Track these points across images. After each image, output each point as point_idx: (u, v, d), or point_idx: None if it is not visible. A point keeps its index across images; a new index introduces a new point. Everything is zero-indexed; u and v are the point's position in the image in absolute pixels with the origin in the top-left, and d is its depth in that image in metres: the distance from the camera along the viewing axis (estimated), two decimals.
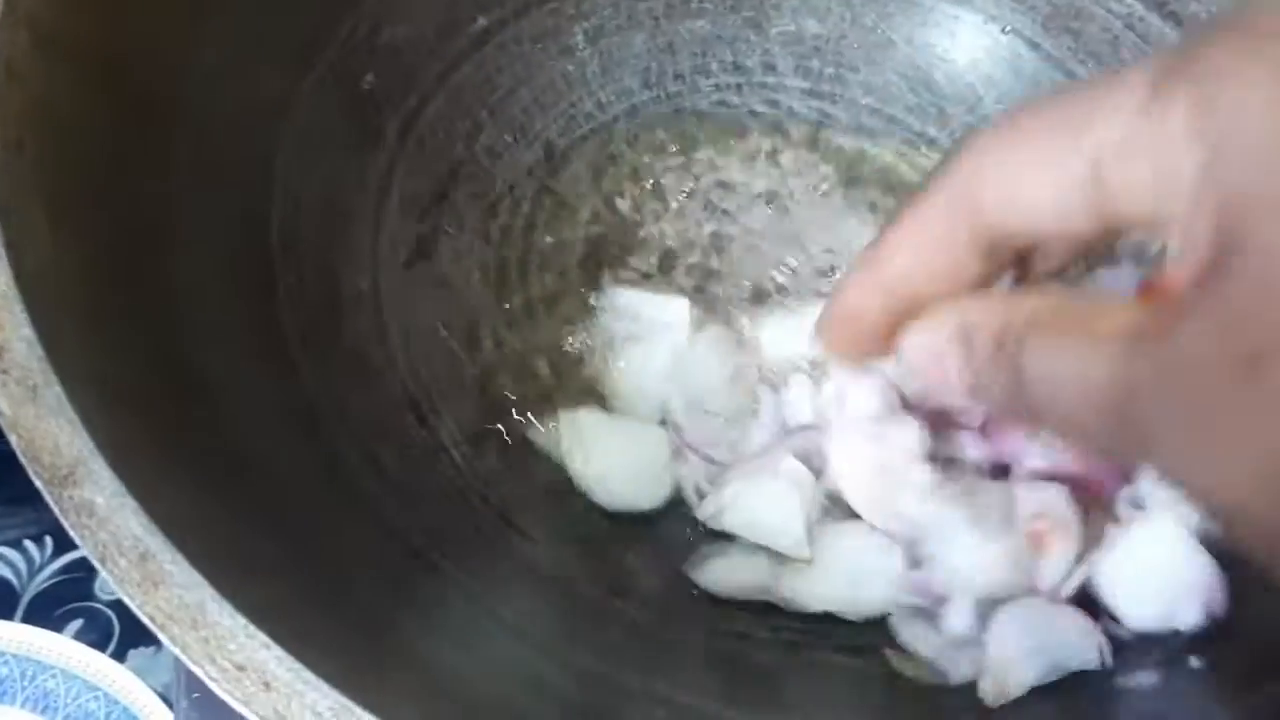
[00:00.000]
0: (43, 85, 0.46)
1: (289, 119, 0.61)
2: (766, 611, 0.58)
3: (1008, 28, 0.76)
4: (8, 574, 0.75)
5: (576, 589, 0.56)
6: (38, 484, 0.36)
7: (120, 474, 0.36)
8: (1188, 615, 0.56)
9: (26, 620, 0.73)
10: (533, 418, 0.63)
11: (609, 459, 0.62)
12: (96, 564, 0.35)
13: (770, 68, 0.78)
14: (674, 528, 0.62)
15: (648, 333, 0.66)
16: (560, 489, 0.61)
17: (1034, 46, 0.76)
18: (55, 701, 0.68)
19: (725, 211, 0.73)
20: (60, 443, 0.37)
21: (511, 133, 0.72)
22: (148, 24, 0.53)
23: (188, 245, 0.52)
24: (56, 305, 0.41)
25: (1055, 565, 0.56)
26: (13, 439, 0.37)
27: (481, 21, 0.71)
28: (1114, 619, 0.57)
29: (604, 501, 0.61)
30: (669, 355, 0.65)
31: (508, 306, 0.67)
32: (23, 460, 0.36)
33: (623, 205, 0.72)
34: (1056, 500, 0.57)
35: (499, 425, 0.62)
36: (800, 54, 0.78)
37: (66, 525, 0.35)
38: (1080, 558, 0.57)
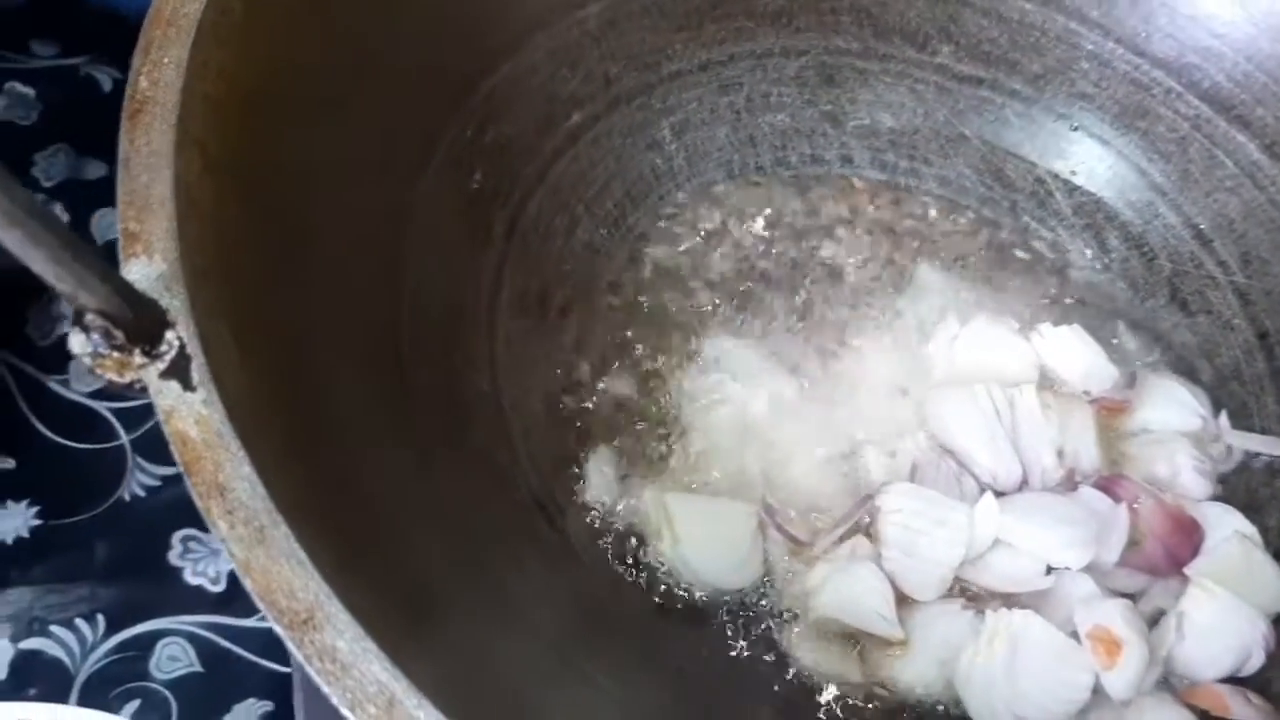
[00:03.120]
0: (213, 208, 0.47)
1: (410, 223, 0.61)
2: None
3: (1077, 125, 0.79)
4: (60, 654, 0.73)
5: (714, 693, 0.57)
6: (277, 629, 0.36)
7: (356, 615, 0.37)
8: (1254, 660, 0.59)
9: (82, 702, 0.72)
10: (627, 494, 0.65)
11: (696, 540, 0.62)
12: (346, 711, 0.35)
13: (848, 160, 0.80)
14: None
15: (742, 393, 0.68)
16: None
17: (1104, 143, 0.78)
18: None
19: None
20: (294, 586, 0.37)
21: (606, 226, 0.73)
22: (289, 139, 0.53)
23: (337, 358, 0.52)
24: (261, 439, 0.41)
25: (1125, 675, 0.57)
26: (247, 583, 0.37)
27: (576, 117, 0.73)
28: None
29: (691, 582, 0.62)
30: (752, 421, 0.67)
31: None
32: (260, 605, 0.37)
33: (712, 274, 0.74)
34: (1116, 615, 0.58)
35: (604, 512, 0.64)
36: (876, 147, 0.80)
37: (312, 672, 0.35)
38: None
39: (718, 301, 0.72)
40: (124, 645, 0.74)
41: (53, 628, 0.73)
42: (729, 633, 0.62)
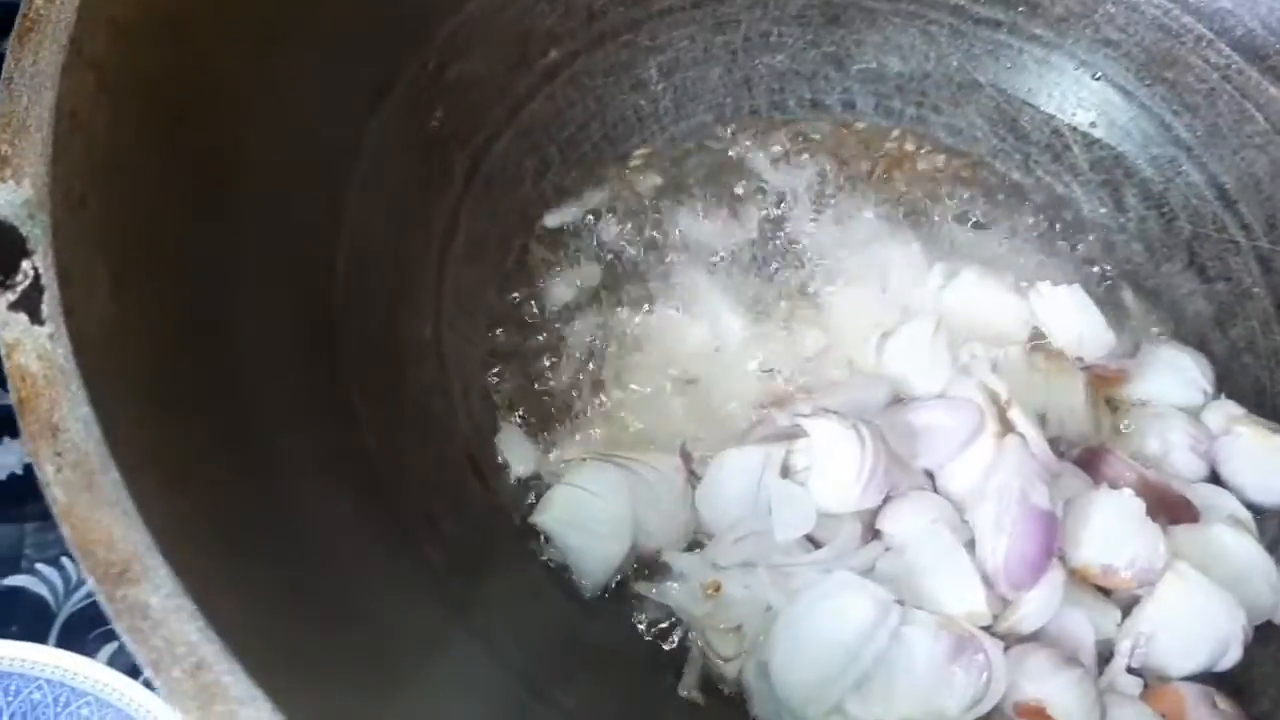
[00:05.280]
0: (107, 134, 0.44)
1: (356, 161, 0.59)
2: None
3: (1099, 74, 0.73)
4: (44, 592, 0.72)
5: (638, 671, 0.54)
6: (89, 581, 0.34)
7: (177, 571, 0.34)
8: (1232, 654, 0.55)
9: (61, 641, 0.71)
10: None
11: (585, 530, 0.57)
12: (149, 672, 0.33)
13: (850, 105, 0.75)
14: None
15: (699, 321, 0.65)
16: None
17: (1126, 95, 0.72)
18: None
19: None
20: (115, 536, 0.35)
21: (580, 170, 0.70)
22: (218, 66, 0.51)
23: (252, 299, 0.50)
24: (117, 379, 0.39)
25: None
26: (65, 530, 0.35)
27: (553, 54, 0.69)
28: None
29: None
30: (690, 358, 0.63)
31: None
32: (75, 554, 0.34)
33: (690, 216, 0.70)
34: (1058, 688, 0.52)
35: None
36: (881, 93, 0.75)
37: (118, 629, 0.33)
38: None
39: (692, 244, 0.69)
40: None
41: (38, 565, 0.73)
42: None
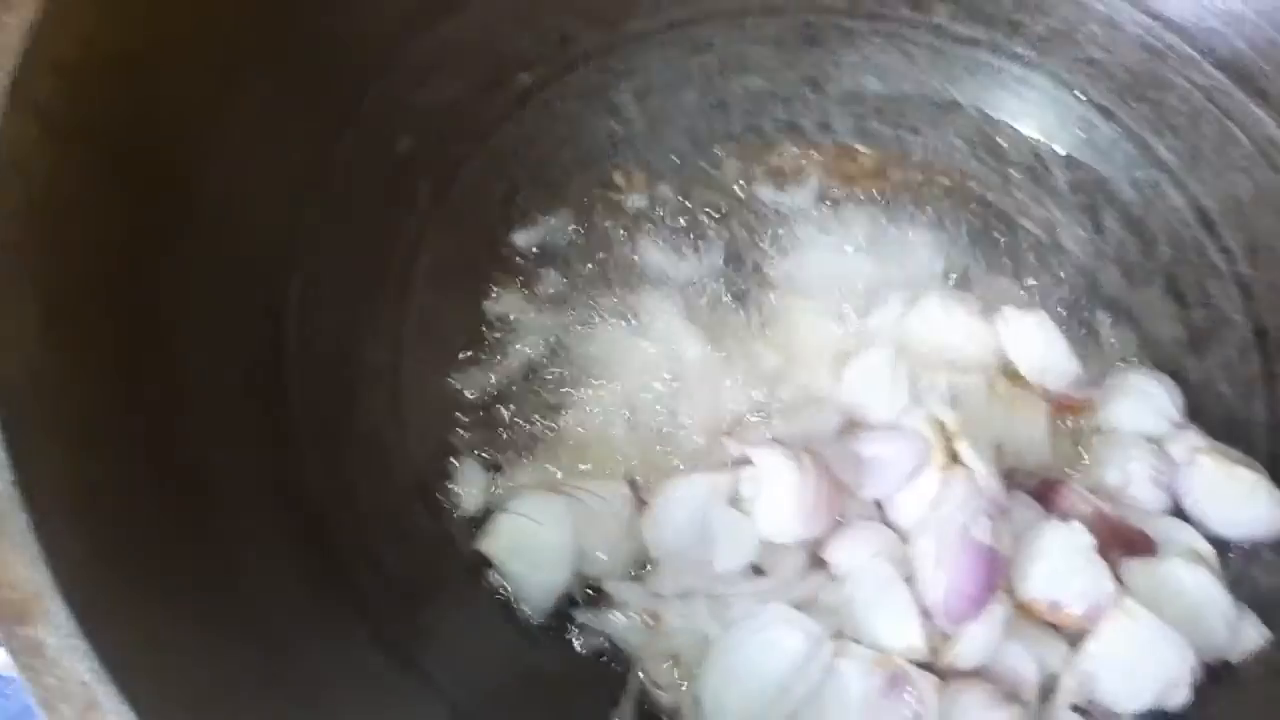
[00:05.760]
0: (49, 179, 0.45)
1: (319, 185, 0.60)
2: None
3: (1081, 94, 0.72)
4: None
5: (579, 700, 0.54)
6: None
7: (79, 612, 0.35)
8: (1180, 695, 0.53)
9: None
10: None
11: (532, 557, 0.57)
12: (40, 709, 0.34)
13: (826, 127, 0.75)
14: None
15: (658, 346, 0.64)
16: None
17: (1108, 115, 0.71)
18: None
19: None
20: (19, 576, 0.36)
21: (550, 194, 0.70)
22: (173, 102, 0.52)
23: (199, 333, 0.51)
24: (41, 422, 0.40)
25: None
26: None
27: (525, 79, 0.69)
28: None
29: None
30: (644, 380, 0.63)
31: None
32: None
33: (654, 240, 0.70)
34: None
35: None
36: (859, 114, 0.74)
37: (14, 664, 0.34)
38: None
39: (656, 268, 0.68)
40: None
41: None
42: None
